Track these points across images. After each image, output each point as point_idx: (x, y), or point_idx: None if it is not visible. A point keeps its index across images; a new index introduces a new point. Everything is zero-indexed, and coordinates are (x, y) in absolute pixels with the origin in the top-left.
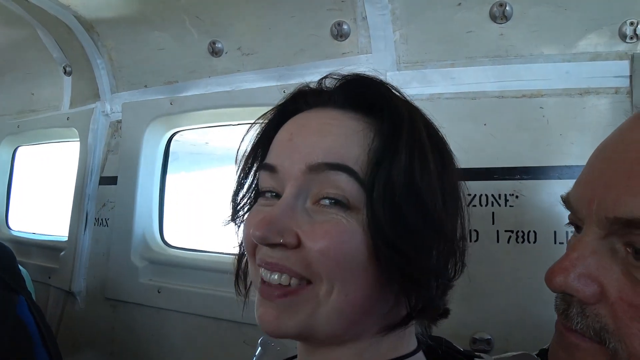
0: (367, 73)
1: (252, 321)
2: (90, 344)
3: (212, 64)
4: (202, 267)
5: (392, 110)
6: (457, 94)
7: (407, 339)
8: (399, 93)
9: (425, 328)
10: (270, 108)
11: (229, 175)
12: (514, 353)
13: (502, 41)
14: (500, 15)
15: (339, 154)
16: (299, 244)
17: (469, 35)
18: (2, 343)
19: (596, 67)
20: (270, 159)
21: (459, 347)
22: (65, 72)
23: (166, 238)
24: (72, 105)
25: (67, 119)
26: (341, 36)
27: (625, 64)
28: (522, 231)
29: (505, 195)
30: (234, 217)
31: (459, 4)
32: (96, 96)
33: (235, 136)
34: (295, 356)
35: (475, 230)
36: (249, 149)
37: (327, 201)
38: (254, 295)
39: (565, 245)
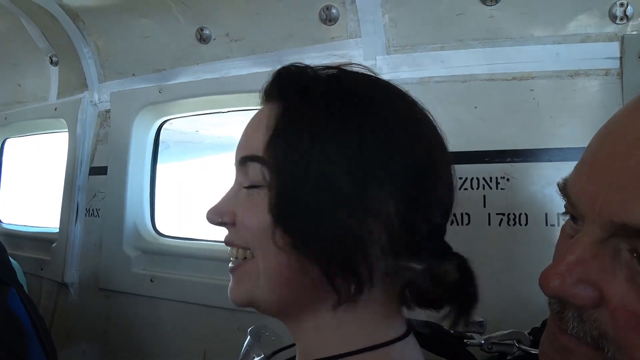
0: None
1: (245, 308)
2: (84, 335)
3: (200, 51)
4: (194, 256)
5: (291, 93)
6: (447, 77)
7: (387, 324)
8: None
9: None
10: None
11: (219, 163)
12: (505, 331)
13: (492, 23)
14: None
15: (251, 145)
16: (235, 222)
17: (459, 17)
18: None
19: (586, 48)
20: None
21: (450, 330)
22: (51, 62)
23: (158, 227)
24: (59, 95)
25: (55, 109)
26: (330, 20)
27: (616, 45)
28: (514, 214)
29: (496, 178)
30: None
31: None
32: (84, 86)
33: (225, 123)
34: (294, 344)
35: (466, 214)
36: None
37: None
38: None
39: (556, 227)
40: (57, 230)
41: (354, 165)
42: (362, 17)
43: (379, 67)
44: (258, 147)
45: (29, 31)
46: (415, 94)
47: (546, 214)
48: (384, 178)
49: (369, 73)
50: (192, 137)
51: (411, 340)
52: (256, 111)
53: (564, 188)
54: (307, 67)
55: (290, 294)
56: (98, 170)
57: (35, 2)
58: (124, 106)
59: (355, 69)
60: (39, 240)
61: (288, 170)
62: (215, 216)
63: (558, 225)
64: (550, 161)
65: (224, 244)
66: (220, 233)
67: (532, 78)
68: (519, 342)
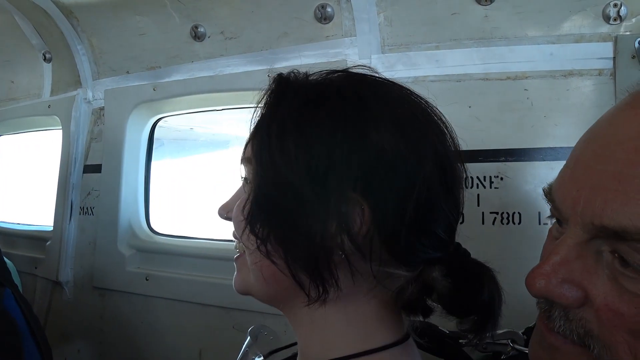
0: (349, 59)
1: (240, 306)
2: (79, 334)
3: (195, 49)
4: (189, 254)
5: (271, 98)
6: (442, 77)
7: (383, 328)
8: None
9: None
10: (254, 92)
11: (214, 160)
12: (500, 331)
13: (486, 23)
14: None
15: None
16: None
17: (454, 17)
18: None
19: (580, 49)
20: None
21: (445, 330)
22: (45, 59)
23: (153, 225)
24: (53, 92)
25: (49, 107)
26: (325, 19)
27: (609, 45)
28: (507, 212)
29: (490, 177)
30: None
31: None
32: (77, 83)
33: (219, 121)
34: (294, 344)
35: (460, 212)
36: None
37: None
38: None
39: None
40: (51, 228)
41: (315, 169)
42: (357, 15)
43: (373, 66)
44: (250, 147)
45: (22, 28)
46: None
47: (539, 213)
48: (347, 183)
49: (372, 74)
50: (186, 135)
51: (409, 345)
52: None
53: (549, 193)
54: (298, 73)
55: (272, 287)
56: (92, 168)
57: None
58: (118, 104)
59: (361, 71)
60: (33, 238)
61: (257, 172)
62: (222, 211)
63: (551, 224)
64: (544, 160)
65: (219, 242)
66: (215, 232)
67: (526, 78)
68: (513, 341)
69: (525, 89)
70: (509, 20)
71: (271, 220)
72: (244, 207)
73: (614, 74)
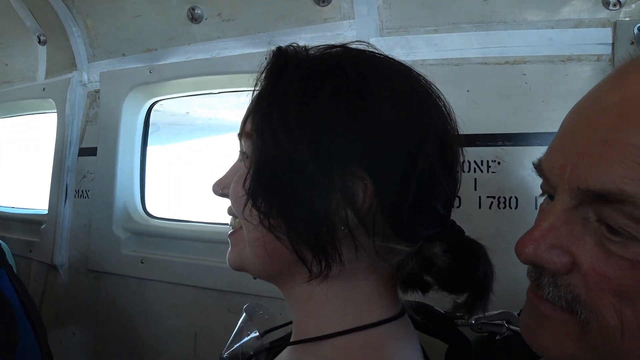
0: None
1: (236, 289)
2: (74, 317)
3: (192, 31)
4: (185, 237)
5: (271, 73)
6: (440, 61)
7: (381, 304)
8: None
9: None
10: (251, 75)
11: (210, 145)
12: (495, 312)
13: (485, 7)
14: None
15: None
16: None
17: (453, 0)
18: None
19: (579, 34)
20: None
21: (441, 310)
22: (39, 42)
23: (148, 209)
24: (47, 75)
25: (43, 89)
26: (323, 1)
27: (608, 31)
28: (504, 197)
29: (487, 161)
30: None
31: None
32: (72, 66)
33: (215, 105)
34: (289, 323)
35: (457, 197)
36: None
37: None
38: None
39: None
40: (46, 211)
41: (319, 143)
42: None
43: None
44: (249, 122)
45: (16, 9)
46: None
47: (536, 198)
48: (351, 157)
49: (370, 50)
50: (182, 119)
51: (405, 320)
52: (248, 92)
53: (539, 166)
54: (298, 47)
55: (273, 263)
56: (87, 151)
57: None
58: (114, 86)
59: (359, 47)
60: (28, 221)
61: (259, 147)
62: (217, 187)
63: (539, 207)
64: (542, 145)
65: (214, 225)
66: (210, 215)
67: (525, 62)
68: (508, 322)
69: (523, 74)
70: (508, 5)
71: (274, 194)
72: (244, 182)
73: (612, 60)
